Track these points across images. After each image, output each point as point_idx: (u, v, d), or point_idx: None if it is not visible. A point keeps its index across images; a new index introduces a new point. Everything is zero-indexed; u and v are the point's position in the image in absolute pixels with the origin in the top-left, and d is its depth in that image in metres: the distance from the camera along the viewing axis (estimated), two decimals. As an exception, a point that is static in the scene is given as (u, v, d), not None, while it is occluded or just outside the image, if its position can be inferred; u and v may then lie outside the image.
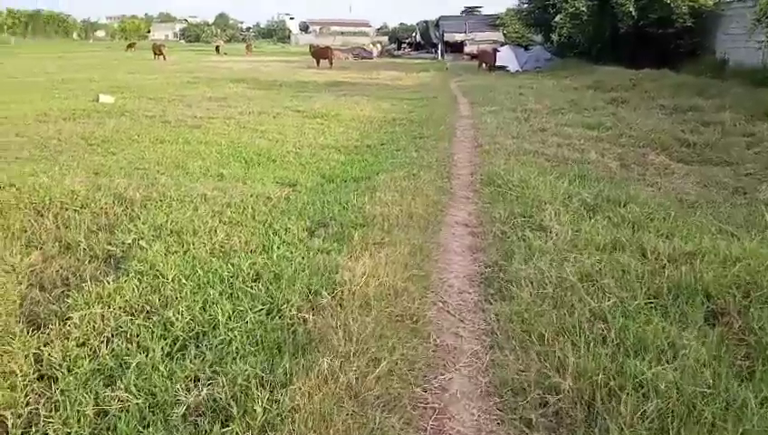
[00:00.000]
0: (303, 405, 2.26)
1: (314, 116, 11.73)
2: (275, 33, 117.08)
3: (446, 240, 4.58)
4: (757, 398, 2.36)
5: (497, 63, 29.60)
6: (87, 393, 2.49)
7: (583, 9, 22.88)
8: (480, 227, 4.85)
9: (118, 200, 5.29)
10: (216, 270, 3.70)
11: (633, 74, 16.91)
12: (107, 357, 2.78)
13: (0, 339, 2.93)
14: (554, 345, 2.79)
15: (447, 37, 51.57)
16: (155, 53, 37.64)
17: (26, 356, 2.80)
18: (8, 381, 2.61)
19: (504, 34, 45.08)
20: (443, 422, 2.41)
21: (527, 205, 5.18)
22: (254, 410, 2.24)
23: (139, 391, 2.49)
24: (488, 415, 2.45)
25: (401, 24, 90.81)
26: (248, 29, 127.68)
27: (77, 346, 2.89)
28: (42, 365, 2.76)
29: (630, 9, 20.69)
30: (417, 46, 64.30)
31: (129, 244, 4.29)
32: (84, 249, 4.26)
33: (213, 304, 3.23)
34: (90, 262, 4.06)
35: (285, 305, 3.14)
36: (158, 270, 3.68)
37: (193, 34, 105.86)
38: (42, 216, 4.93)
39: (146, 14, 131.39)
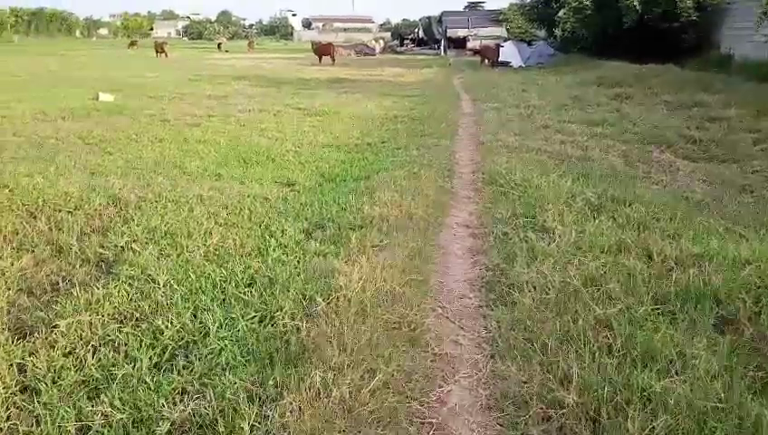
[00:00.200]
0: (293, 422, 2.15)
1: (315, 114, 11.62)
2: (278, 30, 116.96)
3: (447, 242, 4.46)
4: (771, 412, 2.24)
5: (500, 59, 29.43)
6: (70, 407, 2.39)
7: (587, 4, 22.72)
8: (481, 228, 4.73)
9: (112, 201, 5.20)
10: (209, 274, 3.60)
11: (637, 69, 16.73)
12: (93, 368, 2.67)
13: (-18, 349, 2.83)
14: (558, 355, 2.67)
15: (450, 33, 51.37)
16: (157, 51, 37.58)
17: (9, 367, 2.70)
18: (-11, 394, 2.52)
19: (508, 30, 44.85)
20: (441, 438, 2.30)
21: (530, 205, 5.06)
22: (242, 428, 2.14)
23: (123, 404, 2.39)
24: (489, 431, 2.34)
25: (404, 19, 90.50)
26: (251, 26, 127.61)
27: (63, 356, 2.78)
28: (25, 376, 2.66)
29: (635, 3, 20.50)
30: (419, 42, 64.05)
31: (122, 247, 4.20)
32: (76, 253, 4.16)
33: (204, 310, 3.13)
34: (81, 266, 3.96)
35: (279, 313, 3.03)
36: (149, 275, 3.58)
37: (195, 32, 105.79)
38: (35, 218, 4.84)
39: (148, 12, 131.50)
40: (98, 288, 3.37)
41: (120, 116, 11.01)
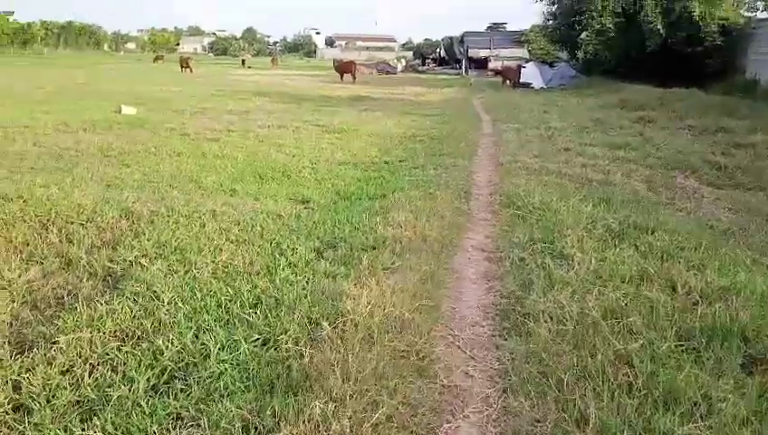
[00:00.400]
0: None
1: (334, 131, 11.59)
2: (302, 47, 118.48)
3: (461, 266, 4.32)
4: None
5: (521, 80, 29.35)
6: (60, 430, 2.30)
7: (610, 26, 22.59)
8: (497, 252, 4.59)
9: (125, 215, 5.15)
10: (215, 293, 3.51)
11: (661, 93, 16.52)
12: (89, 388, 2.58)
13: (-20, 364, 2.76)
14: (574, 392, 2.52)
15: (472, 53, 51.49)
16: (182, 66, 38.14)
17: (5, 383, 2.63)
18: (-20, 412, 2.44)
19: (529, 51, 44.84)
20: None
21: (548, 229, 4.91)
22: (234, 462, 2.03)
23: (116, 429, 2.30)
24: (497, 472, 2.20)
25: (426, 39, 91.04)
26: (275, 43, 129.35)
27: (60, 373, 2.70)
28: (20, 394, 2.58)
29: (658, 27, 20.35)
30: (441, 62, 64.42)
31: (131, 261, 4.14)
32: (84, 266, 4.10)
33: (206, 331, 3.03)
34: (88, 280, 3.90)
35: (283, 336, 2.92)
36: (154, 291, 3.50)
37: (221, 48, 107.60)
38: (46, 229, 4.81)
39: (175, 28, 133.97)
40: (101, 304, 3.29)
41: (141, 129, 11.08)
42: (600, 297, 3.49)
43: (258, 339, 2.93)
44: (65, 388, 2.58)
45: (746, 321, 3.14)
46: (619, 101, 16.61)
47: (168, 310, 3.28)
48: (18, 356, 2.87)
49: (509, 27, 59.40)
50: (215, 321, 3.15)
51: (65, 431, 2.30)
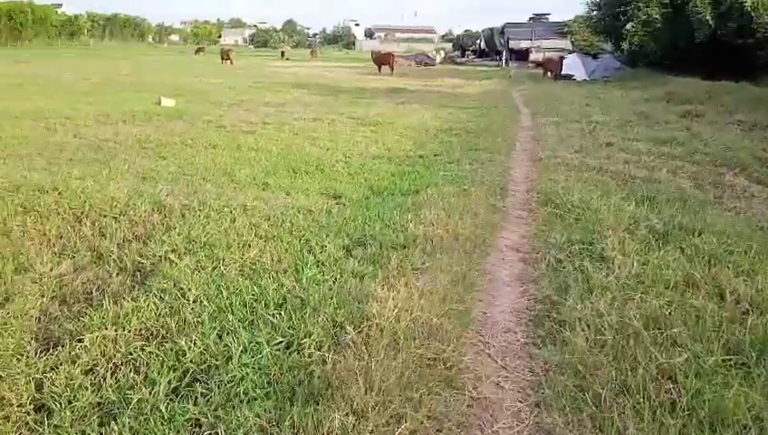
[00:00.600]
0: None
1: (369, 124, 11.48)
2: (341, 39, 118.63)
3: (494, 267, 4.17)
4: None
5: (563, 72, 28.70)
6: (78, 433, 2.26)
7: (657, 17, 21.85)
8: (533, 253, 4.41)
9: (157, 208, 5.16)
10: (241, 291, 3.45)
11: (709, 86, 15.88)
12: (110, 389, 2.55)
13: (5, 360, 2.76)
14: (612, 409, 2.36)
15: (512, 44, 50.66)
16: (222, 58, 38.59)
17: (28, 382, 2.61)
18: (3, 411, 2.43)
19: (572, 42, 43.81)
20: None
21: (587, 230, 4.70)
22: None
23: None
24: (527, 495, 2.07)
25: (466, 31, 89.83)
26: (315, 35, 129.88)
27: (83, 373, 2.68)
28: (43, 393, 2.57)
29: (708, 17, 19.54)
30: (480, 53, 63.63)
31: (161, 256, 4.12)
32: (115, 260, 4.11)
33: (230, 332, 2.97)
34: (117, 275, 3.89)
35: (306, 339, 2.84)
36: (181, 289, 3.46)
37: (261, 40, 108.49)
38: (80, 222, 4.85)
39: (218, 20, 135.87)
40: (128, 301, 3.27)
41: (179, 121, 11.19)
42: (642, 305, 3.30)
43: (281, 342, 2.85)
44: (87, 388, 2.55)
45: (802, 335, 2.91)
46: (665, 94, 16.05)
47: (193, 309, 3.23)
48: (44, 353, 2.87)
49: (552, 18, 58.20)
50: (239, 321, 3.08)
51: (83, 435, 2.26)
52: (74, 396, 2.51)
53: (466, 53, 68.62)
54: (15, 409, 2.44)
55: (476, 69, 43.40)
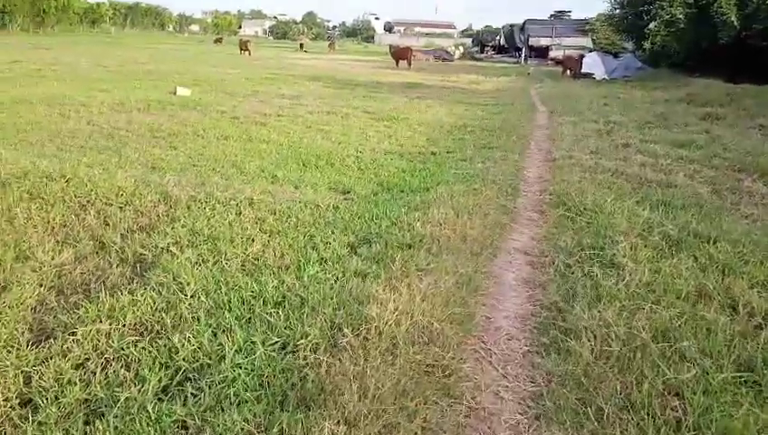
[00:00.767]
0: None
1: (383, 118, 11.38)
2: (360, 32, 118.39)
3: (501, 270, 4.06)
4: None
5: (583, 70, 28.33)
6: (62, 433, 2.20)
7: (680, 17, 21.43)
8: (541, 256, 4.30)
9: (163, 199, 5.11)
10: (240, 288, 3.38)
11: (731, 89, 15.55)
12: (99, 386, 2.49)
13: (-4, 352, 2.72)
14: (615, 426, 2.26)
15: (532, 41, 50.21)
16: (241, 49, 38.67)
17: (16, 375, 2.57)
18: (-12, 406, 2.38)
19: (594, 40, 43.27)
20: None
21: (599, 234, 4.57)
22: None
23: (118, 435, 2.19)
24: None
25: (486, 26, 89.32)
26: (334, 27, 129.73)
27: (72, 368, 2.63)
28: (31, 387, 2.52)
29: (732, 18, 19.11)
30: (500, 50, 63.17)
31: (163, 248, 4.07)
32: (116, 251, 4.06)
33: (225, 330, 2.90)
34: (118, 266, 3.85)
35: (302, 341, 2.76)
36: (180, 283, 3.41)
37: (281, 31, 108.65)
38: (85, 211, 4.81)
39: (238, 11, 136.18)
40: (124, 294, 3.22)
41: (193, 111, 11.16)
42: (652, 315, 3.18)
43: (277, 342, 2.78)
44: (75, 384, 2.50)
45: (820, 353, 2.78)
46: (685, 95, 15.74)
47: (190, 304, 3.17)
48: (35, 345, 2.82)
49: (573, 15, 57.57)
50: (235, 319, 3.02)
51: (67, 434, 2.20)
52: (62, 392, 2.45)
53: (486, 48, 68.14)
54: (1, 403, 2.39)
55: (495, 65, 43.04)
